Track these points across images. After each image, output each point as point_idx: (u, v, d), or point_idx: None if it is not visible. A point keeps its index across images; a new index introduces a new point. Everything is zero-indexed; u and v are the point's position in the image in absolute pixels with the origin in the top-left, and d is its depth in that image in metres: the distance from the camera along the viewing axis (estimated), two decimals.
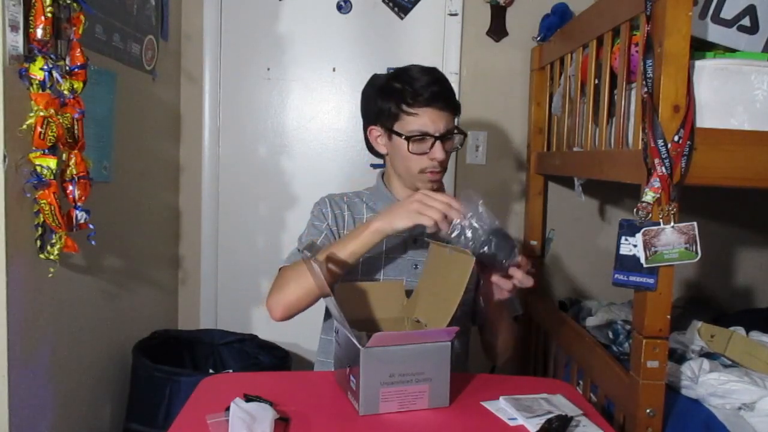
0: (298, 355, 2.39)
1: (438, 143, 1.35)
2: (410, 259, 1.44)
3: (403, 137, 1.36)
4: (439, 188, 1.47)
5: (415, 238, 1.45)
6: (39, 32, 1.28)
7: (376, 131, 1.46)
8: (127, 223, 1.94)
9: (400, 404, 1.09)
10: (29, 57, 1.29)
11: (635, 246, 1.28)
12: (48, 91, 1.31)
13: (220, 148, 2.44)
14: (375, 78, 2.32)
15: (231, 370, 2.05)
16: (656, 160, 1.23)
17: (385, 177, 1.52)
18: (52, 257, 1.38)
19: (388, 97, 1.39)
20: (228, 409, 1.00)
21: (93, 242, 1.49)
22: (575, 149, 1.85)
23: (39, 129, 1.28)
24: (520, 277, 1.21)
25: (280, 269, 1.40)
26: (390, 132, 1.40)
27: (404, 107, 1.35)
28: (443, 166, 1.39)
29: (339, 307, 1.09)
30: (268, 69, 2.42)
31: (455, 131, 1.39)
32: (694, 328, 1.75)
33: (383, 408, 1.08)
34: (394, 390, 1.08)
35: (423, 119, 1.34)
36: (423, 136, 1.34)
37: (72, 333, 1.61)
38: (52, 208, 1.33)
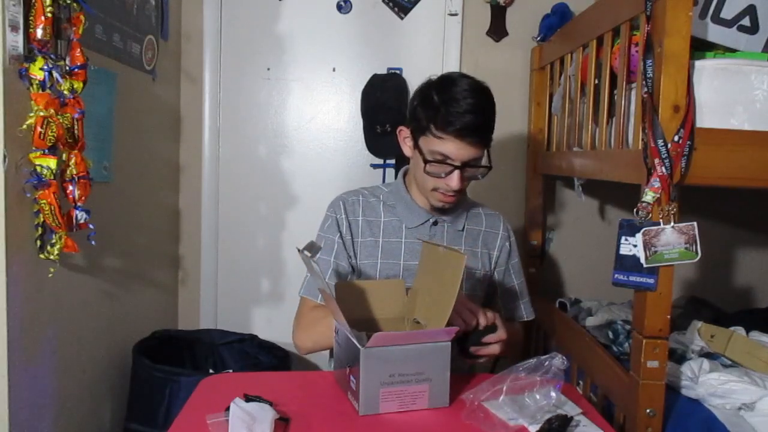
0: (298, 355, 2.38)
1: (456, 172, 1.31)
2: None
3: (422, 158, 1.33)
4: (457, 203, 1.44)
5: (435, 221, 1.46)
6: (39, 32, 1.28)
7: (405, 133, 1.42)
8: (127, 223, 1.94)
9: (400, 404, 1.09)
10: (29, 57, 1.29)
11: (635, 246, 1.28)
12: (48, 91, 1.31)
13: (220, 148, 2.44)
14: (375, 78, 2.34)
15: (231, 370, 2.05)
16: (656, 160, 1.23)
17: (407, 176, 1.51)
18: (52, 257, 1.38)
19: (424, 107, 1.33)
20: (228, 409, 1.00)
21: (93, 242, 1.49)
22: (575, 149, 1.85)
23: (39, 129, 1.28)
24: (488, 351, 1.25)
25: (302, 298, 1.46)
26: (415, 142, 1.37)
27: (432, 127, 1.30)
28: (458, 190, 1.36)
29: (339, 308, 1.09)
30: (268, 69, 2.42)
31: (480, 163, 1.34)
32: (694, 328, 1.75)
33: (383, 408, 1.08)
34: (394, 390, 1.08)
35: (448, 146, 1.29)
36: (443, 161, 1.31)
37: (72, 333, 1.61)
38: (52, 208, 1.32)
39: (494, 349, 1.26)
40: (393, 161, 2.39)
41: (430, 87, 1.35)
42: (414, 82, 2.42)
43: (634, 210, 1.28)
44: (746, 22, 1.42)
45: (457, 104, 1.27)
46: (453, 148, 1.29)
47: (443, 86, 1.33)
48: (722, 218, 2.46)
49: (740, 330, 1.66)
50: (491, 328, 1.26)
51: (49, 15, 1.28)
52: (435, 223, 1.47)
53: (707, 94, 1.29)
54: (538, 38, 2.29)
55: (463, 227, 1.50)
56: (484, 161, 1.36)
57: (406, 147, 1.44)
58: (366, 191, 1.52)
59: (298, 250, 1.17)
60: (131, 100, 1.93)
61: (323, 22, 2.40)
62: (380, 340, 1.06)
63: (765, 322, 1.79)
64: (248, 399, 1.06)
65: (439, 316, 1.13)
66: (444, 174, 1.32)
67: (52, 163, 1.31)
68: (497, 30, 2.41)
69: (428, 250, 1.27)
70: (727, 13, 1.41)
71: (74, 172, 1.42)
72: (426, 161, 1.33)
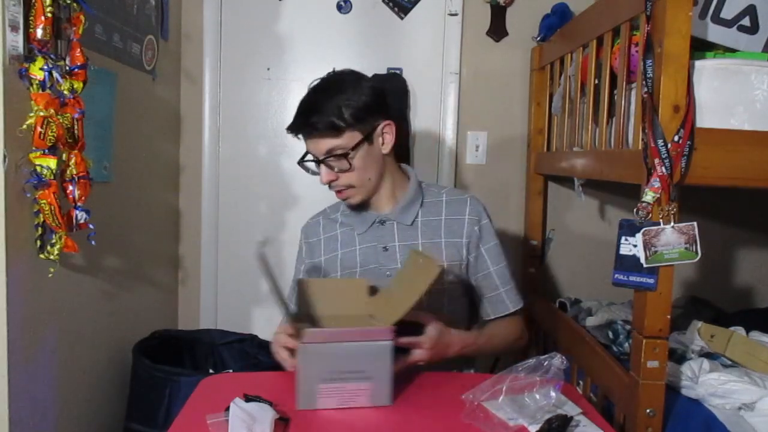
0: None
1: (322, 166, 1.39)
2: (377, 243, 1.45)
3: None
4: (367, 199, 1.44)
5: (382, 221, 1.46)
6: (39, 32, 1.28)
7: None
8: (127, 223, 1.93)
9: (340, 401, 1.09)
10: (29, 57, 1.28)
11: (635, 246, 1.28)
12: (48, 91, 1.31)
13: (220, 148, 2.44)
14: (375, 78, 2.33)
15: (231, 370, 2.05)
16: (656, 160, 1.23)
17: None
18: (52, 257, 1.38)
19: None
20: (228, 409, 1.00)
21: (93, 242, 1.49)
22: (575, 149, 1.85)
23: (39, 129, 1.28)
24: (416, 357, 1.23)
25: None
26: None
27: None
28: (344, 184, 1.40)
29: (291, 303, 1.10)
30: (268, 69, 2.42)
31: (345, 152, 1.35)
32: (694, 328, 1.75)
33: (321, 404, 1.09)
34: (333, 387, 1.08)
35: (306, 143, 1.41)
36: (312, 160, 1.41)
37: (72, 333, 1.61)
38: (52, 208, 1.32)
39: (416, 355, 1.22)
40: None
41: None
42: (414, 82, 2.43)
43: (634, 210, 1.28)
44: (746, 22, 1.42)
45: (300, 102, 1.41)
46: (308, 144, 1.41)
47: None
48: (722, 218, 2.46)
49: (740, 330, 1.66)
50: (413, 328, 1.22)
51: (49, 15, 1.28)
52: (382, 223, 1.46)
53: (707, 94, 1.29)
54: (538, 38, 2.29)
55: (413, 221, 1.45)
56: (347, 148, 1.35)
57: None
58: (329, 209, 1.58)
59: (258, 258, 1.18)
60: (131, 100, 1.93)
61: (323, 22, 2.40)
62: (316, 337, 1.06)
63: (765, 322, 1.79)
64: (248, 399, 1.06)
65: (389, 315, 1.13)
66: (318, 172, 1.42)
67: (52, 163, 1.31)
68: (497, 30, 2.41)
69: (412, 257, 1.28)
70: (727, 13, 1.41)
71: (74, 172, 1.41)
72: (299, 163, 1.45)
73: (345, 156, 1.36)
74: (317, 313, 1.21)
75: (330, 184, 1.40)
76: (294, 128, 1.40)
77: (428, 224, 1.45)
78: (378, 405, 1.11)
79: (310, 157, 1.42)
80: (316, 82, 1.42)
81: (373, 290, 1.31)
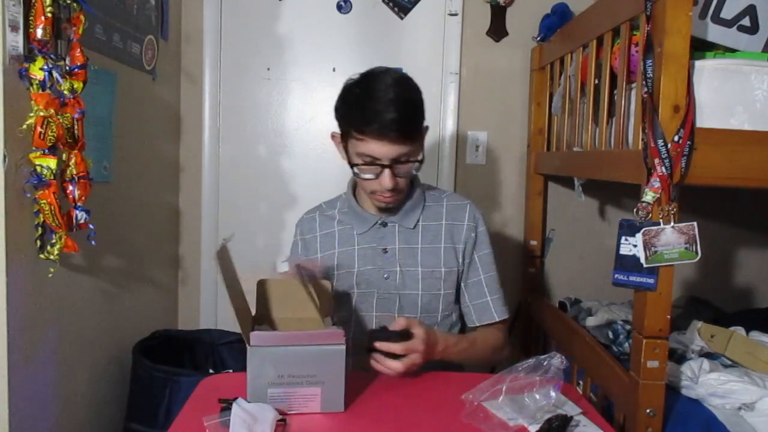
0: None
1: (387, 171, 1.28)
2: (377, 244, 1.44)
3: (349, 163, 1.33)
4: (401, 203, 1.42)
5: (384, 222, 1.44)
6: (39, 32, 1.28)
7: (337, 139, 1.41)
8: (127, 223, 1.93)
9: (290, 406, 1.07)
10: (29, 57, 1.28)
11: (635, 246, 1.28)
12: (48, 91, 1.31)
13: (220, 148, 2.44)
14: None
15: (231, 370, 2.05)
16: (656, 160, 1.23)
17: (357, 186, 1.48)
18: (52, 257, 1.38)
19: (343, 109, 1.33)
20: (223, 410, 1.00)
21: (93, 242, 1.49)
22: (575, 149, 1.85)
23: (39, 129, 1.28)
24: (387, 365, 1.20)
25: None
26: (344, 148, 1.37)
27: (353, 129, 1.28)
28: (397, 189, 1.33)
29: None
30: (268, 69, 2.42)
31: (412, 158, 1.30)
32: (694, 328, 1.75)
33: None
34: (283, 391, 1.06)
35: (371, 146, 1.27)
36: (370, 162, 1.29)
37: (72, 333, 1.61)
38: (52, 208, 1.32)
39: (401, 363, 1.19)
40: None
41: (347, 87, 1.33)
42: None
43: (634, 210, 1.28)
44: (746, 22, 1.42)
45: (372, 101, 1.25)
46: (376, 147, 1.26)
47: (359, 85, 1.30)
48: (722, 218, 2.46)
49: (740, 330, 1.66)
50: (401, 334, 1.21)
51: (49, 15, 1.28)
52: (384, 225, 1.44)
53: (707, 94, 1.29)
54: (538, 38, 2.29)
55: (416, 225, 1.44)
56: (416, 154, 1.32)
57: (341, 153, 1.40)
58: (324, 205, 1.54)
59: (215, 257, 1.13)
60: (131, 100, 1.93)
61: (323, 22, 2.40)
62: (265, 339, 1.05)
63: (765, 322, 1.79)
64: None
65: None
66: (375, 175, 1.31)
67: (52, 163, 1.31)
68: (497, 30, 2.41)
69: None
70: (727, 13, 1.41)
71: (74, 172, 1.41)
72: (353, 165, 1.32)
73: (420, 162, 1.31)
74: (274, 314, 1.18)
75: (384, 189, 1.31)
76: (386, 125, 1.23)
77: (429, 228, 1.45)
78: (330, 411, 1.08)
79: (367, 160, 1.29)
80: (389, 75, 1.28)
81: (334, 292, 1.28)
